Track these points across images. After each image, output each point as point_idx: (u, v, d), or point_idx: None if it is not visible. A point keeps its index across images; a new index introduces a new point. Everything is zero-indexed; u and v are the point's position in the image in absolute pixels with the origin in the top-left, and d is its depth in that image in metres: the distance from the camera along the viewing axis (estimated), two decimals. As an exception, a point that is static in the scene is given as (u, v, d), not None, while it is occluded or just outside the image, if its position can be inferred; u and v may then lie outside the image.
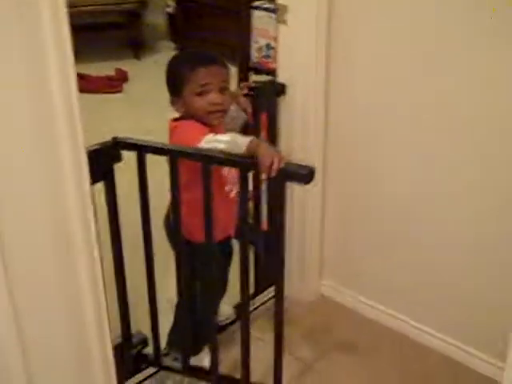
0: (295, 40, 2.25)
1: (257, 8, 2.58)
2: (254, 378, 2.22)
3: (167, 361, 2.29)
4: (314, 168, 1.81)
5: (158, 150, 1.98)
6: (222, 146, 1.84)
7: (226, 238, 2.23)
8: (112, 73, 5.21)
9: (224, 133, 1.99)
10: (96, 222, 1.79)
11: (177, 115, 2.07)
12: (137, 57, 5.58)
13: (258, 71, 2.66)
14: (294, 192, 2.46)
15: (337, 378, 2.30)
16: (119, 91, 5.03)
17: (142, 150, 1.96)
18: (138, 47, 5.64)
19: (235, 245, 2.24)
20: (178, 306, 2.24)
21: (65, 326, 1.83)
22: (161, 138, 2.03)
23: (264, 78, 2.56)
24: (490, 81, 1.96)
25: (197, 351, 2.31)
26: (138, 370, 2.26)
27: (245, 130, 2.19)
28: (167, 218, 2.17)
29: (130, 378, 2.24)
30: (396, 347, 2.43)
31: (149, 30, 5.97)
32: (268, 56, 2.60)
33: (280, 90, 2.34)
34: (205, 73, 1.98)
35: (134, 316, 2.18)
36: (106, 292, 1.92)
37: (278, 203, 1.94)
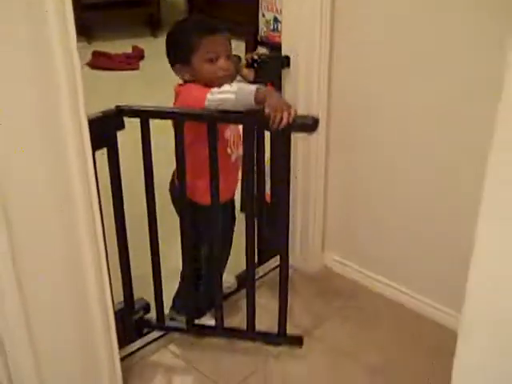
0: (299, 12, 2.27)
1: (264, -19, 2.59)
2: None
3: (172, 323, 2.35)
4: (318, 117, 1.90)
5: (160, 114, 2.02)
6: (232, 97, 1.87)
7: (229, 199, 2.28)
8: (129, 50, 5.26)
9: None
10: (97, 184, 1.84)
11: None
12: (154, 35, 5.61)
13: (265, 45, 2.67)
14: (297, 164, 2.49)
15: (336, 344, 2.33)
16: (136, 68, 5.09)
17: (144, 115, 2.00)
18: (155, 25, 5.67)
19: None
20: (184, 269, 2.28)
21: (66, 288, 1.88)
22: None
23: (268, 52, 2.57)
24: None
25: (201, 314, 2.36)
26: (140, 335, 2.31)
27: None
28: (172, 182, 2.22)
29: (132, 342, 2.29)
30: (395, 317, 2.46)
31: (167, 7, 5.99)
32: (276, 29, 2.61)
33: (284, 62, 2.36)
34: (214, 40, 2.03)
35: (137, 284, 2.23)
36: (109, 260, 1.97)
37: (283, 153, 2.00)
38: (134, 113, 1.99)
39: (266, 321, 2.34)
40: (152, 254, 2.20)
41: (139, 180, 2.09)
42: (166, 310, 2.33)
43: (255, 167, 2.26)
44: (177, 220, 2.18)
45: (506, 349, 0.99)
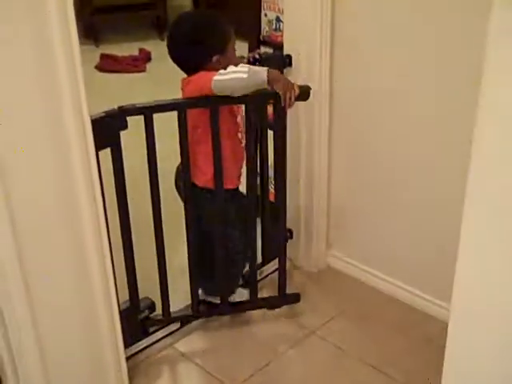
0: (300, 11, 2.28)
1: (267, -19, 2.61)
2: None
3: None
4: (310, 87, 2.17)
5: (162, 108, 2.06)
6: (244, 76, 1.95)
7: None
8: (136, 53, 5.29)
9: None
10: (101, 184, 1.86)
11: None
12: (161, 37, 5.63)
13: (268, 44, 2.68)
14: (301, 161, 2.51)
15: (339, 342, 2.34)
16: (143, 70, 5.12)
17: (147, 111, 2.02)
18: (162, 28, 5.69)
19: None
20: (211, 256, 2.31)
21: (71, 287, 1.90)
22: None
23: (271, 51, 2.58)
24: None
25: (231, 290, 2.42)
26: (146, 334, 2.32)
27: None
28: (179, 171, 2.26)
29: (138, 341, 2.30)
30: (400, 316, 2.46)
31: (174, 10, 6.01)
32: (278, 29, 2.62)
33: (286, 61, 2.37)
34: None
35: (143, 283, 2.24)
36: (114, 259, 1.99)
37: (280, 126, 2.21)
38: (136, 111, 2.01)
39: (271, 318, 2.36)
40: (157, 253, 2.21)
41: (143, 179, 2.11)
42: (172, 308, 2.34)
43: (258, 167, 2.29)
44: (182, 218, 2.20)
45: (494, 339, 1.00)
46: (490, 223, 0.98)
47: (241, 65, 2.00)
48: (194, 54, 2.10)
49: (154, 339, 2.35)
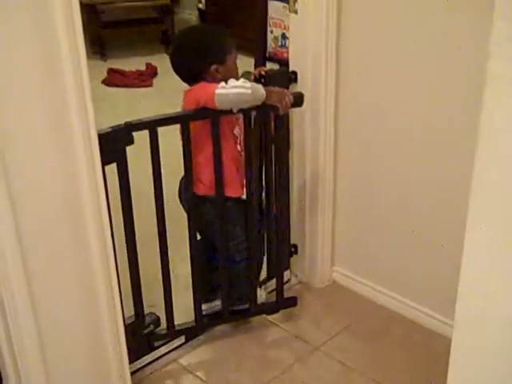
0: (305, 29, 2.30)
1: (273, -1, 2.63)
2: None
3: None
4: (303, 93, 2.28)
5: (166, 121, 2.10)
6: (248, 92, 2.02)
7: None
8: (143, 67, 5.32)
9: None
10: (107, 198, 1.87)
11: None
12: (168, 52, 5.65)
13: (273, 61, 2.70)
14: (307, 181, 2.52)
15: (343, 359, 2.33)
16: (149, 85, 5.15)
17: (152, 125, 2.04)
18: (169, 43, 5.72)
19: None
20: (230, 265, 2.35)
21: (77, 302, 1.91)
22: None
23: (277, 67, 2.60)
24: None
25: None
26: (151, 349, 2.32)
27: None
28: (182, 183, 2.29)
29: (143, 356, 2.30)
30: (405, 332, 2.45)
31: (181, 25, 6.05)
32: (284, 46, 2.64)
33: (292, 77, 2.39)
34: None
35: (148, 298, 2.25)
36: (119, 273, 2.00)
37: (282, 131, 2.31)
38: (142, 125, 2.03)
39: (275, 333, 2.36)
40: (162, 267, 2.22)
41: (148, 193, 2.12)
42: (176, 321, 2.34)
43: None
44: (187, 232, 2.21)
45: (497, 354, 1.00)
46: (492, 239, 0.98)
47: (242, 80, 2.05)
48: (192, 63, 2.16)
49: (159, 354, 2.35)
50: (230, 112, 2.09)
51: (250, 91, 2.01)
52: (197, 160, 2.17)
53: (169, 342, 2.36)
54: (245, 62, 2.86)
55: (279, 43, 2.66)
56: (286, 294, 2.51)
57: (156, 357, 2.34)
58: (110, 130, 1.95)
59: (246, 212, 2.33)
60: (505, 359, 1.02)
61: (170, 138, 2.18)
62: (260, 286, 2.49)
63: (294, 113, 2.44)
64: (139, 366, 2.28)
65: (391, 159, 2.38)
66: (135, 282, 2.17)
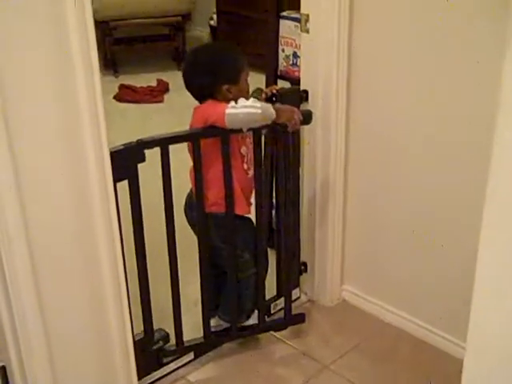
0: (316, 49, 2.32)
1: (284, 18, 2.65)
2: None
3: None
4: (311, 111, 2.32)
5: (178, 139, 2.11)
6: (258, 112, 2.03)
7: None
8: (154, 84, 5.35)
9: None
10: (119, 215, 1.88)
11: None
12: (179, 68, 5.69)
13: (285, 79, 2.72)
14: (316, 199, 2.52)
15: (352, 379, 2.32)
16: (160, 101, 5.17)
17: (163, 143, 2.06)
18: (180, 59, 5.76)
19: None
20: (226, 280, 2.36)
21: (86, 318, 1.92)
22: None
23: (288, 85, 2.62)
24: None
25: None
26: (160, 365, 2.33)
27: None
28: (188, 204, 2.32)
29: (151, 372, 2.30)
30: (414, 352, 2.44)
31: (192, 42, 6.09)
32: (295, 64, 2.66)
33: (303, 96, 2.40)
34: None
35: (156, 314, 2.25)
36: (129, 289, 2.01)
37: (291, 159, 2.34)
38: (154, 143, 2.04)
39: (284, 351, 2.37)
40: (172, 284, 2.23)
41: (158, 209, 2.14)
42: (185, 337, 2.34)
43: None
44: (196, 249, 2.23)
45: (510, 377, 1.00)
46: (504, 266, 0.98)
47: (251, 100, 2.05)
48: (204, 82, 2.17)
49: (168, 370, 2.35)
50: (240, 130, 2.10)
51: (260, 111, 2.02)
52: (207, 176, 2.18)
53: (178, 358, 2.36)
54: (256, 79, 2.88)
55: (290, 62, 2.68)
56: (296, 312, 2.51)
57: (165, 373, 2.34)
58: (121, 147, 1.97)
59: (252, 230, 2.34)
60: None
61: (180, 154, 2.18)
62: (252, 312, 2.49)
63: (305, 131, 2.45)
64: (148, 382, 2.28)
65: (402, 178, 2.38)
66: (145, 297, 2.18)
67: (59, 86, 1.63)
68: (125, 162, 1.96)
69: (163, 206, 2.12)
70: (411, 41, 2.18)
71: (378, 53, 2.29)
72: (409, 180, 2.36)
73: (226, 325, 2.42)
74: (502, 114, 0.93)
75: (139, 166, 2.01)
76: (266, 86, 2.73)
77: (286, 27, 2.64)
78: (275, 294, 2.59)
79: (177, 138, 2.12)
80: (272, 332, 2.51)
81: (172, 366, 2.35)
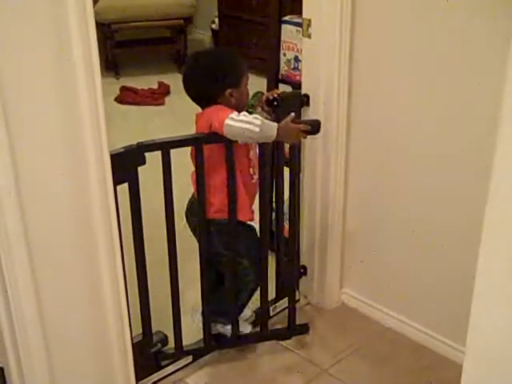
0: (318, 54, 2.32)
1: (286, 22, 2.65)
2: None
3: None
4: (320, 121, 2.23)
5: (180, 143, 2.10)
6: (256, 130, 1.98)
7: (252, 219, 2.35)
8: (155, 86, 5.36)
9: None
10: (118, 218, 1.88)
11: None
12: (180, 71, 5.69)
13: (286, 83, 2.72)
14: (317, 198, 2.52)
15: (351, 382, 2.32)
16: (161, 104, 5.18)
17: (164, 147, 2.05)
18: (182, 62, 5.77)
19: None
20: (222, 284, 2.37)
21: (85, 320, 1.92)
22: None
23: (289, 89, 2.62)
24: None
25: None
26: (158, 368, 2.33)
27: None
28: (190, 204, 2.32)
29: (150, 375, 2.30)
30: (414, 357, 2.44)
31: (194, 45, 6.10)
32: (296, 68, 2.66)
33: (304, 100, 2.41)
34: None
35: (156, 318, 2.25)
36: (128, 292, 2.01)
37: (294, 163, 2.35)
38: (154, 146, 2.04)
39: (283, 354, 2.36)
40: (171, 287, 2.23)
41: (159, 213, 2.14)
42: (184, 341, 2.34)
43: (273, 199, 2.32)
44: (196, 252, 2.22)
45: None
46: (505, 267, 0.99)
47: (254, 116, 2.02)
48: (208, 87, 2.16)
49: (166, 373, 2.35)
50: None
51: (257, 129, 1.97)
52: (209, 183, 2.17)
53: (176, 361, 2.37)
54: (257, 83, 2.89)
55: (292, 66, 2.68)
56: (297, 317, 2.51)
57: (163, 375, 2.34)
58: (122, 150, 1.97)
59: (255, 238, 2.34)
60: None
61: (182, 157, 2.18)
62: (254, 322, 2.48)
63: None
64: (147, 385, 2.29)
65: (403, 182, 2.39)
66: (144, 300, 2.18)
67: (60, 88, 1.64)
68: (125, 164, 1.96)
69: (163, 208, 2.12)
70: (412, 45, 2.19)
71: (379, 57, 2.30)
72: (409, 184, 2.37)
73: (222, 329, 2.41)
74: (505, 112, 0.93)
75: (139, 168, 2.01)
76: (267, 90, 2.74)
77: (287, 32, 2.65)
78: (274, 296, 2.59)
79: (178, 142, 2.11)
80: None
81: (170, 368, 2.35)
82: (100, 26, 5.13)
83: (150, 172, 2.06)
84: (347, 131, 2.44)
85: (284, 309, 2.60)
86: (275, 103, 2.31)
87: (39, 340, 1.79)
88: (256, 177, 2.27)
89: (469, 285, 2.26)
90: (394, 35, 2.23)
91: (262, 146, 2.20)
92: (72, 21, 1.58)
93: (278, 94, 2.34)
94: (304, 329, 2.51)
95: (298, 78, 2.62)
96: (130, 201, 2.04)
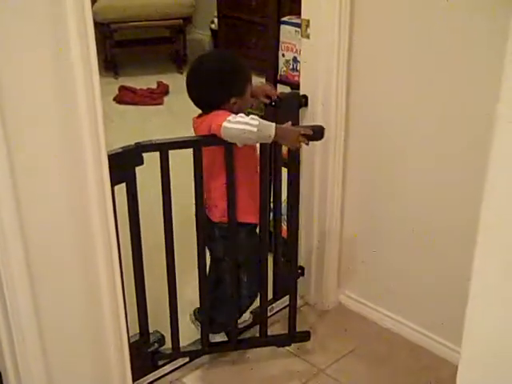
0: (317, 54, 2.32)
1: (285, 23, 2.66)
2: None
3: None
4: (323, 127, 2.18)
5: (178, 144, 2.09)
6: (253, 130, 1.95)
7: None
8: (154, 86, 5.36)
9: None
10: (115, 218, 1.88)
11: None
12: (179, 71, 5.71)
13: (285, 84, 2.73)
14: (315, 199, 2.52)
15: (348, 383, 2.33)
16: (160, 103, 5.18)
17: (163, 148, 2.05)
18: (181, 62, 5.77)
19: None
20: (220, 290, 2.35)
21: (82, 319, 1.92)
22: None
23: (288, 90, 2.62)
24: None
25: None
26: (155, 368, 2.33)
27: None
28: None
29: (146, 375, 2.30)
30: (411, 357, 2.45)
31: (193, 45, 6.10)
32: (295, 69, 2.67)
33: (302, 101, 2.41)
34: None
35: (153, 318, 2.26)
36: (125, 292, 2.01)
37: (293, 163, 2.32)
38: (152, 147, 2.04)
39: (280, 354, 2.37)
40: (169, 287, 2.23)
41: (156, 213, 2.14)
42: (181, 340, 2.34)
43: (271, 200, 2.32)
44: (193, 252, 2.22)
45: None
46: (501, 268, 0.99)
47: (251, 116, 1.99)
48: (214, 94, 2.12)
49: (163, 373, 2.35)
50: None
51: (255, 129, 1.95)
52: (215, 185, 2.16)
53: (173, 360, 2.37)
54: (255, 82, 2.89)
55: (290, 66, 2.69)
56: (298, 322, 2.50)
57: (160, 375, 2.34)
58: (120, 150, 1.97)
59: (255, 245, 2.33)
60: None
61: (182, 157, 2.16)
62: (252, 323, 2.49)
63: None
64: (143, 384, 2.29)
65: (401, 182, 2.39)
66: (141, 300, 2.18)
67: (58, 88, 1.64)
68: (123, 164, 1.96)
69: (161, 209, 2.12)
70: (411, 46, 2.19)
71: (378, 58, 2.30)
72: (408, 183, 2.37)
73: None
74: (502, 110, 0.93)
75: (137, 168, 2.02)
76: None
77: (286, 32, 2.66)
78: (271, 297, 2.59)
79: (176, 144, 2.10)
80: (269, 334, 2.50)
81: (167, 368, 2.36)
82: (99, 25, 5.12)
83: (148, 172, 2.06)
84: (345, 131, 2.44)
85: (281, 309, 2.61)
86: (273, 104, 2.31)
87: (35, 340, 1.79)
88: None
89: (466, 286, 2.26)
90: (393, 36, 2.24)
91: (260, 146, 2.19)
92: (70, 20, 1.58)
93: (278, 96, 2.34)
94: (304, 336, 2.48)
95: (296, 78, 2.63)
96: (128, 201, 2.04)
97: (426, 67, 2.17)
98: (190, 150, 2.09)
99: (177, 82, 5.38)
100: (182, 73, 5.69)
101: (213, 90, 2.13)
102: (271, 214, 2.51)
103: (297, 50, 2.60)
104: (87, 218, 1.81)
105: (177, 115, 4.64)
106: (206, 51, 5.92)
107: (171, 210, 2.12)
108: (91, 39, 1.64)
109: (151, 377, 2.31)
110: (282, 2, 2.71)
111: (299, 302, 2.72)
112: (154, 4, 5.58)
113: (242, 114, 2.02)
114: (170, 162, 2.07)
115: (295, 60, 2.65)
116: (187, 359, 2.40)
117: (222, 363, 2.42)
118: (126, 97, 5.17)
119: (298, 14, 2.41)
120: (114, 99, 5.13)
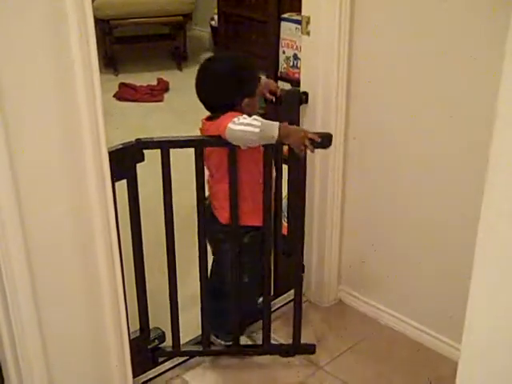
0: (317, 51, 2.32)
1: (285, 20, 2.66)
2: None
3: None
4: (331, 134, 2.12)
5: (180, 143, 2.08)
6: (256, 131, 1.94)
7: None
8: (154, 83, 5.36)
9: None
10: (116, 214, 1.89)
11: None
12: (179, 68, 5.71)
13: (285, 81, 2.73)
14: (315, 196, 2.53)
15: (346, 379, 2.33)
16: (160, 100, 5.17)
17: (164, 146, 2.04)
18: (181, 58, 5.77)
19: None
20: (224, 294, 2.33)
21: (82, 315, 1.93)
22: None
23: (288, 87, 2.62)
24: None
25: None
26: (155, 364, 2.33)
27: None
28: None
29: (147, 371, 2.31)
30: (410, 354, 2.45)
31: (193, 42, 6.10)
32: (295, 66, 2.67)
33: (303, 98, 2.41)
34: None
35: (154, 314, 2.26)
36: (126, 288, 2.01)
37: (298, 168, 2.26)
38: (152, 144, 2.04)
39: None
40: (170, 284, 2.23)
41: (157, 209, 2.14)
42: (182, 337, 2.34)
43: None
44: (194, 248, 2.22)
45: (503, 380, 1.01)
46: (501, 267, 0.99)
47: (253, 117, 1.98)
48: (228, 95, 2.10)
49: (163, 369, 2.35)
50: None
51: (257, 130, 1.93)
52: (224, 187, 2.13)
53: (173, 357, 2.37)
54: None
55: (291, 63, 2.69)
56: (291, 313, 2.49)
57: (160, 372, 2.35)
58: (120, 146, 1.97)
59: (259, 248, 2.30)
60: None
61: (182, 155, 2.14)
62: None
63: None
64: (143, 381, 2.29)
65: (401, 179, 2.39)
66: (141, 296, 2.18)
67: (58, 85, 1.64)
68: (124, 161, 1.97)
69: (162, 205, 2.12)
70: (412, 43, 2.19)
71: (378, 55, 2.30)
72: (408, 181, 2.37)
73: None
74: (501, 110, 0.94)
75: (138, 165, 2.02)
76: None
77: (286, 29, 2.66)
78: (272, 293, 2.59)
79: (177, 143, 2.09)
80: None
81: (167, 364, 2.36)
82: (99, 22, 5.12)
83: (149, 168, 2.06)
84: (346, 128, 2.44)
85: (282, 306, 2.61)
86: (273, 101, 2.31)
87: (36, 335, 1.79)
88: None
89: (467, 284, 2.26)
90: (393, 32, 2.23)
91: (264, 145, 2.17)
92: (71, 17, 1.58)
93: (279, 92, 2.34)
94: (310, 349, 2.40)
95: (297, 75, 2.64)
96: (129, 197, 2.04)
97: (426, 62, 2.16)
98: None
99: (177, 79, 5.39)
100: (181, 69, 5.70)
101: (227, 92, 2.11)
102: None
103: (297, 47, 2.61)
104: (88, 215, 1.81)
105: (177, 112, 4.64)
106: (206, 50, 5.93)
107: (172, 209, 2.12)
108: (91, 36, 1.64)
109: (151, 373, 2.32)
110: (282, -1, 2.71)
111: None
112: (154, 1, 5.58)
113: (245, 116, 1.99)
114: (172, 159, 2.06)
115: (295, 57, 2.65)
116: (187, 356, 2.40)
117: (221, 359, 2.42)
118: (125, 93, 5.17)
119: (299, 10, 2.41)
120: (114, 96, 5.13)
